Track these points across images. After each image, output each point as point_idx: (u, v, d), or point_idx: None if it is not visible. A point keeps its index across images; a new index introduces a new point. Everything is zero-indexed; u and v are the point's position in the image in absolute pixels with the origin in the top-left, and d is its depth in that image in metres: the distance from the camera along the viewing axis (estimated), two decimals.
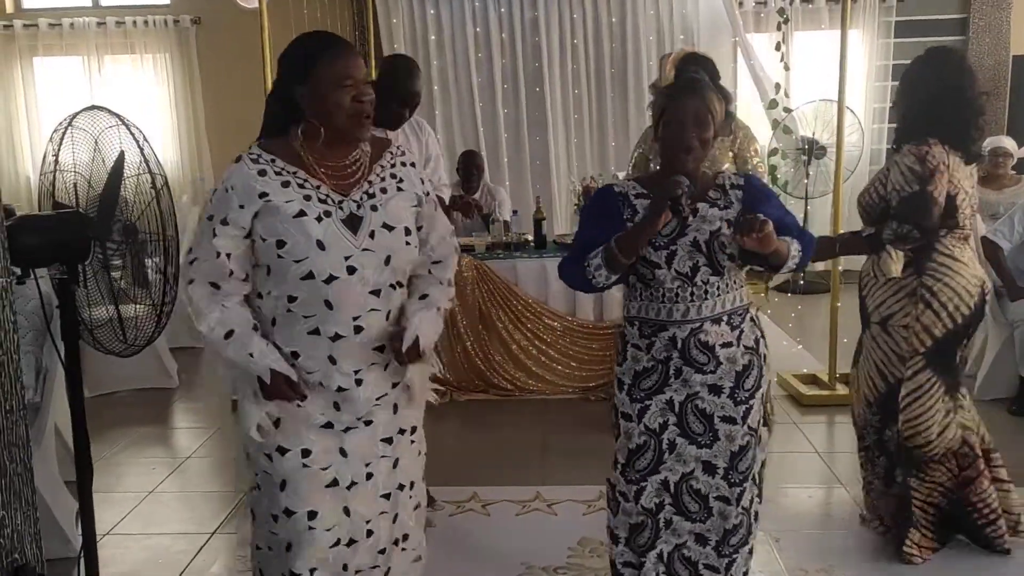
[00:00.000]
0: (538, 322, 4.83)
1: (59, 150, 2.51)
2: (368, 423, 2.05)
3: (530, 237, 5.10)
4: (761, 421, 2.30)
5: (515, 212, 5.48)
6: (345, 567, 2.04)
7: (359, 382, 2.01)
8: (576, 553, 3.07)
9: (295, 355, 1.98)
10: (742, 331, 2.26)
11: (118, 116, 2.41)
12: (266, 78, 4.47)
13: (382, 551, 2.10)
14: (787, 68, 6.97)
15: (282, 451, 2.00)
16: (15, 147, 7.90)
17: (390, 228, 2.00)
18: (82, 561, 2.44)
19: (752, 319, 2.30)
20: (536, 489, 3.56)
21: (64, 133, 2.51)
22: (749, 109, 7.39)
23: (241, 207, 1.94)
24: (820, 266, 6.90)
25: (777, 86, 6.28)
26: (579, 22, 7.21)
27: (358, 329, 1.98)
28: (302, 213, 1.93)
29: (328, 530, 2.00)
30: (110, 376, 4.90)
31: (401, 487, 2.13)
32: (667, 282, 2.20)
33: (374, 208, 2.00)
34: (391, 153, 2.11)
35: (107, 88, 7.76)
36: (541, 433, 4.22)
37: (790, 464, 3.88)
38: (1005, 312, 4.53)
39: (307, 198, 1.95)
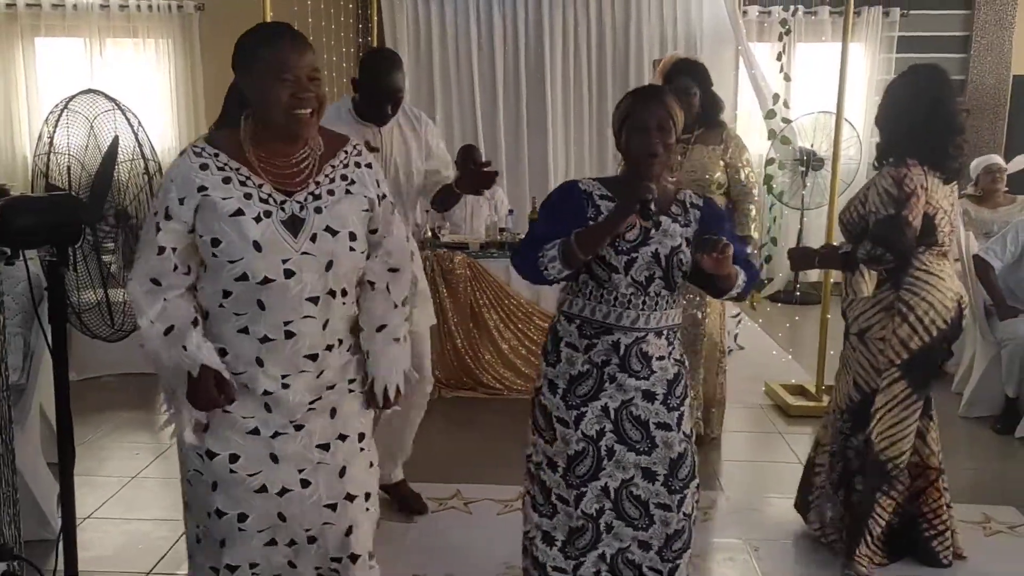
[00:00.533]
0: (529, 322, 4.84)
1: (54, 132, 2.52)
2: (299, 427, 1.97)
3: (521, 236, 5.10)
4: (692, 430, 2.34)
5: (511, 211, 5.49)
6: (293, 564, 2.02)
7: (285, 387, 1.94)
8: None
9: (222, 352, 1.92)
10: (674, 347, 2.31)
11: (114, 101, 2.42)
12: None
13: (336, 559, 2.03)
14: (788, 79, 6.99)
15: (211, 455, 1.95)
16: (13, 127, 7.87)
17: (333, 232, 1.92)
18: (61, 544, 2.45)
19: (679, 337, 2.35)
20: (519, 488, 3.55)
21: (60, 115, 2.52)
22: (749, 118, 7.41)
23: (182, 201, 1.87)
24: (814, 276, 6.92)
25: (776, 96, 6.29)
26: (583, 28, 7.22)
27: (289, 334, 1.90)
28: (239, 212, 1.85)
29: (261, 531, 1.96)
30: (96, 360, 4.89)
31: (351, 497, 2.04)
32: (621, 287, 2.21)
33: (318, 210, 1.91)
34: (345, 152, 2.01)
35: (108, 71, 7.74)
36: (526, 433, 4.22)
37: (774, 474, 3.89)
38: (994, 331, 4.55)
39: (247, 196, 1.87)
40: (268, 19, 4.61)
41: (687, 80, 3.64)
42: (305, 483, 1.97)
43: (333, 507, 2.00)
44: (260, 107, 1.87)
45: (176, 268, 1.88)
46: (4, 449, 2.11)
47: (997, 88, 7.42)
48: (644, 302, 2.21)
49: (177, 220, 1.86)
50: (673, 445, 2.26)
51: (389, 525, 3.18)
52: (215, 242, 1.85)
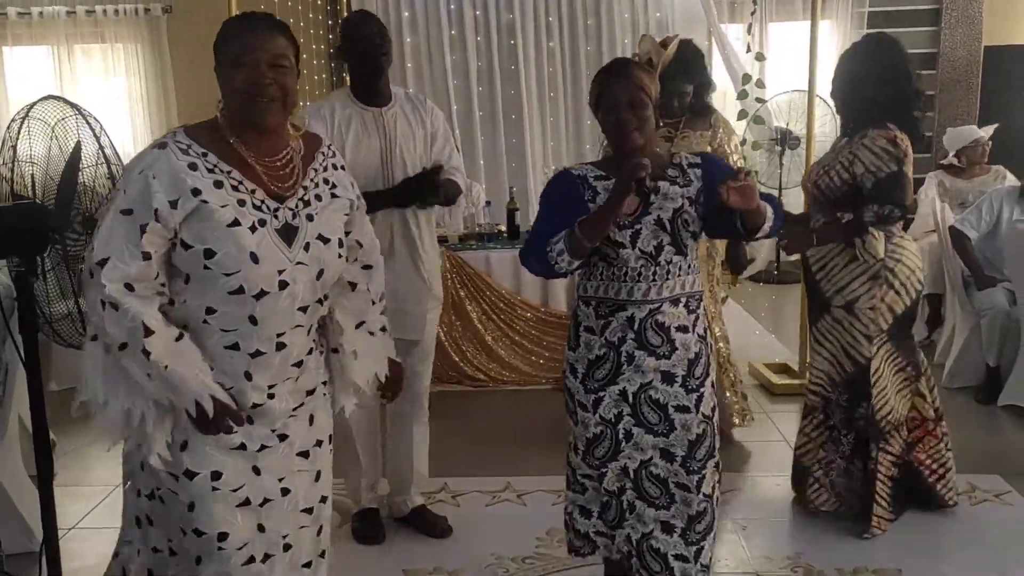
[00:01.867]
0: (511, 313, 4.83)
1: (16, 141, 2.48)
2: (283, 437, 1.92)
3: (503, 228, 5.09)
4: (715, 408, 2.32)
5: (488, 203, 5.47)
6: None
7: (271, 396, 1.87)
8: (544, 543, 3.07)
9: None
10: (697, 316, 2.28)
11: (75, 106, 2.39)
12: None
13: (307, 564, 2.01)
14: (761, 58, 6.98)
15: (190, 474, 1.83)
16: None
17: (325, 240, 1.86)
18: (43, 556, 2.43)
19: (704, 308, 2.32)
20: (507, 480, 3.56)
21: (22, 124, 2.49)
22: (724, 99, 7.41)
23: (174, 204, 1.70)
24: (795, 256, 6.94)
25: (746, 76, 6.28)
26: (554, 15, 7.19)
27: (280, 346, 1.84)
28: (236, 222, 1.74)
29: (240, 548, 1.89)
30: (77, 369, 4.83)
31: (324, 499, 2.03)
32: (631, 261, 2.20)
33: (310, 218, 1.84)
34: (323, 154, 1.95)
35: (77, 78, 7.66)
36: (513, 424, 4.22)
37: (759, 452, 3.90)
38: (972, 301, 4.57)
39: (241, 203, 1.76)
40: None
41: (682, 84, 3.52)
42: (285, 491, 1.93)
43: (309, 511, 1.99)
44: (224, 97, 1.80)
45: (156, 277, 1.74)
46: None
47: (969, 60, 7.44)
48: (655, 272, 2.20)
49: (165, 225, 1.71)
50: (691, 427, 2.25)
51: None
52: (209, 253, 1.72)
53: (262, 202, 1.78)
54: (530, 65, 7.23)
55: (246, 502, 1.88)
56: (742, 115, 6.42)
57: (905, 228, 5.70)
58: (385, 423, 3.16)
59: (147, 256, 1.70)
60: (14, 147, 2.47)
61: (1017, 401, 4.21)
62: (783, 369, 4.84)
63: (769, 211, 2.20)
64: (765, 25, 7.21)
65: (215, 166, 1.76)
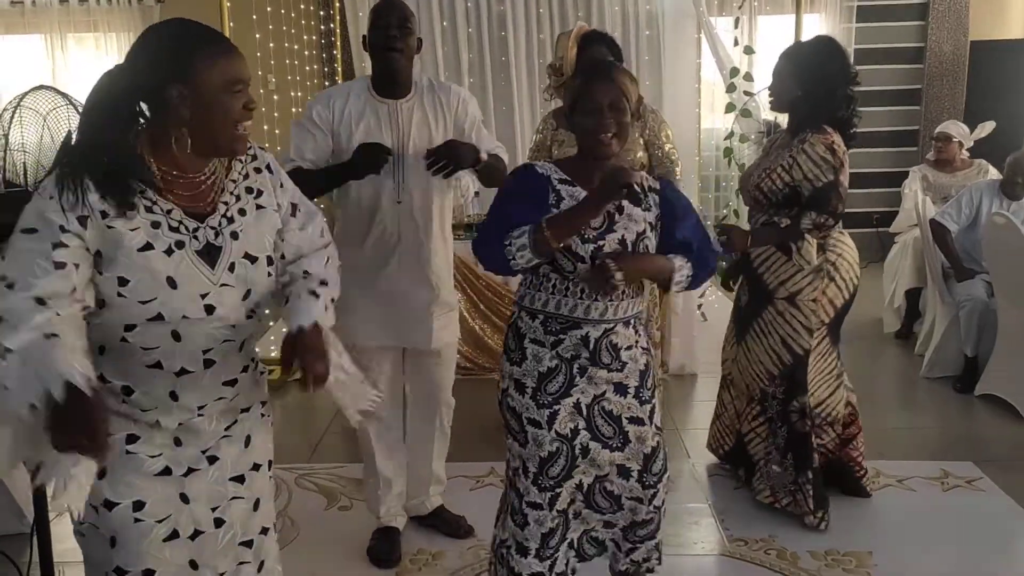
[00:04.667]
0: (499, 302, 4.89)
1: (8, 130, 2.53)
2: (213, 460, 1.75)
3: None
4: (661, 422, 2.31)
5: (477, 194, 5.51)
6: None
7: (200, 415, 1.72)
8: None
9: (128, 390, 1.65)
10: (640, 335, 2.24)
11: (66, 96, 2.44)
12: None
13: None
14: (750, 52, 7.04)
15: (109, 505, 1.65)
16: None
17: (252, 259, 1.69)
18: (35, 537, 2.49)
19: (644, 325, 2.30)
20: (491, 465, 3.63)
21: (13, 113, 2.53)
22: (713, 92, 7.47)
23: (83, 222, 1.53)
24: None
25: (735, 70, 6.34)
26: (544, 7, 7.22)
27: (208, 363, 1.67)
28: (148, 246, 1.57)
29: None
30: None
31: (265, 531, 1.86)
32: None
33: (234, 236, 1.67)
34: (240, 160, 1.74)
35: (70, 67, 7.69)
36: (497, 412, 4.28)
37: None
38: (952, 293, 4.65)
39: (155, 225, 1.59)
40: (226, 8, 4.61)
41: (602, 49, 3.37)
42: (219, 522, 1.75)
43: (249, 543, 1.82)
44: (202, 121, 1.59)
45: (74, 291, 1.52)
46: None
47: (955, 54, 7.51)
48: (612, 293, 2.11)
49: (79, 241, 1.53)
50: (646, 439, 2.21)
51: (360, 504, 3.24)
52: (122, 281, 1.56)
53: (180, 222, 1.62)
54: (520, 57, 7.26)
55: (174, 535, 1.71)
56: (730, 108, 6.48)
57: (888, 222, 5.81)
58: (405, 427, 3.08)
59: (60, 265, 1.50)
60: (6, 136, 2.52)
61: (993, 390, 4.29)
62: None
63: (683, 272, 2.17)
64: (754, 18, 7.26)
65: None
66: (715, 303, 5.66)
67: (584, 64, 3.21)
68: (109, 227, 1.55)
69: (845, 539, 3.02)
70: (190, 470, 1.72)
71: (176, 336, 1.62)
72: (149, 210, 1.59)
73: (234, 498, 1.78)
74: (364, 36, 2.75)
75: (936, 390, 4.55)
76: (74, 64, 7.74)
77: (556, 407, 2.16)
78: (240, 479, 1.79)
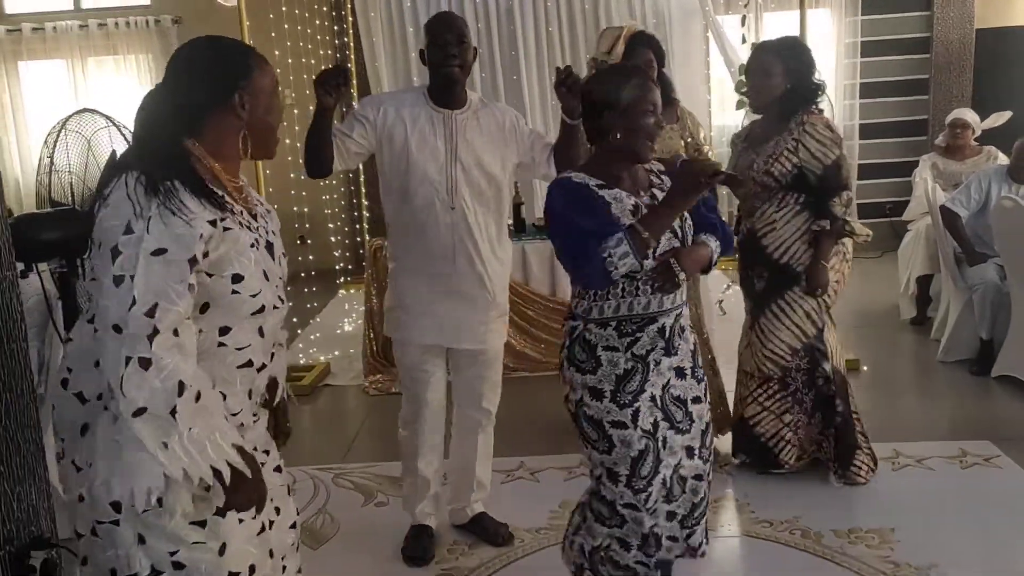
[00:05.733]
0: (520, 303, 5.00)
1: (53, 152, 2.67)
2: (278, 510, 1.85)
3: (510, 221, 5.25)
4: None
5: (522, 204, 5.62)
6: None
7: (256, 417, 1.82)
8: (557, 515, 3.25)
9: (222, 397, 1.70)
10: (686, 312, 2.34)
11: (108, 118, 2.58)
12: None
13: None
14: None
15: (220, 512, 1.67)
16: (3, 150, 8.02)
17: (284, 255, 1.85)
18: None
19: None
20: (520, 459, 3.75)
21: (58, 136, 2.68)
22: (723, 89, 7.56)
23: (202, 237, 1.59)
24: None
25: (743, 67, 6.42)
26: (552, 10, 7.34)
27: (272, 356, 1.81)
28: (255, 243, 1.71)
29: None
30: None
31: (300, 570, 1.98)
32: (649, 271, 2.15)
33: (274, 232, 1.82)
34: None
35: (92, 90, 7.88)
36: (524, 408, 4.40)
37: None
38: (964, 277, 4.72)
39: (241, 224, 1.69)
40: (245, 27, 4.76)
41: (647, 52, 3.46)
42: (277, 510, 1.85)
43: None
44: (259, 123, 1.73)
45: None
46: (35, 447, 2.27)
47: (962, 43, 7.57)
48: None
49: (202, 261, 1.61)
50: (704, 416, 2.30)
51: (396, 500, 3.36)
52: (236, 278, 1.65)
53: (249, 221, 1.73)
54: (530, 50, 7.37)
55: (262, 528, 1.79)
56: (740, 105, 6.56)
57: (900, 212, 5.90)
58: (449, 430, 3.12)
59: (191, 288, 1.58)
60: (51, 158, 2.66)
61: (1010, 371, 4.36)
62: None
63: (713, 245, 2.25)
64: (760, 15, 7.35)
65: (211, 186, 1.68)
66: (732, 297, 5.76)
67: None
68: (227, 229, 1.63)
69: (867, 517, 3.12)
70: (271, 521, 1.81)
71: (261, 332, 1.74)
72: (231, 210, 1.68)
73: (292, 544, 1.91)
74: (421, 50, 2.83)
75: (953, 374, 4.63)
76: (94, 86, 7.93)
77: (636, 404, 2.19)
78: (294, 526, 1.91)
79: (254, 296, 1.69)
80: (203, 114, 1.68)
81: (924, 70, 7.72)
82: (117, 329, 1.51)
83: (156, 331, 1.52)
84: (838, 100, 7.69)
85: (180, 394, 1.53)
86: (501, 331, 3.02)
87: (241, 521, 1.71)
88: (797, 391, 3.33)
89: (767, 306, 3.31)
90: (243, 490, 1.62)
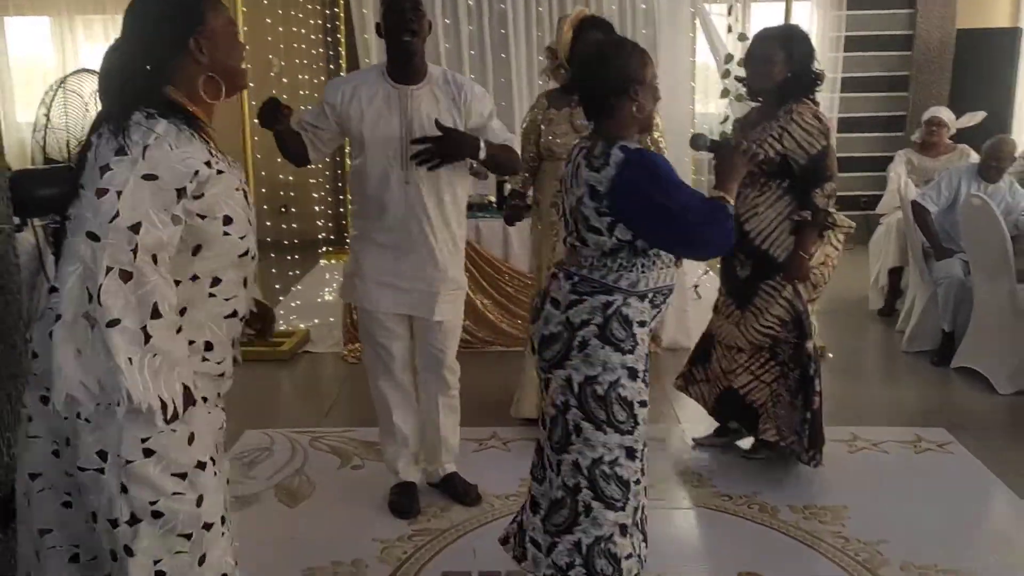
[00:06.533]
0: (498, 278, 5.11)
1: (50, 110, 2.73)
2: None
3: (492, 199, 5.35)
4: None
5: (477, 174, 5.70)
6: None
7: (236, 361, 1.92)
8: (527, 483, 3.31)
9: (208, 346, 1.78)
10: None
11: None
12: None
13: None
14: (743, 39, 7.22)
15: (202, 465, 1.73)
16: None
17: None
18: None
19: None
20: (493, 429, 3.86)
21: (54, 95, 2.73)
22: (707, 78, 7.66)
23: (197, 174, 1.66)
24: None
25: (729, 56, 6.53)
26: (544, 14, 7.39)
27: (240, 304, 1.88)
28: (240, 186, 1.78)
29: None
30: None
31: None
32: None
33: (243, 182, 1.83)
34: None
35: (78, 49, 7.85)
36: (499, 381, 4.51)
37: None
38: (931, 271, 4.87)
39: (228, 167, 1.77)
40: None
41: (598, 35, 3.46)
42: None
43: None
44: (223, 66, 1.76)
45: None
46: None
47: (942, 42, 7.71)
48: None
49: (192, 194, 1.67)
50: None
51: (371, 463, 3.47)
52: (227, 220, 1.72)
53: (228, 166, 1.77)
54: (521, 53, 7.44)
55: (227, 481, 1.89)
56: (724, 93, 6.67)
57: (876, 205, 6.02)
58: (417, 393, 3.24)
59: (177, 221, 1.64)
60: (47, 115, 2.71)
61: (968, 363, 4.53)
62: None
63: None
64: (747, 6, 7.44)
65: (193, 134, 1.71)
66: (707, 282, 5.89)
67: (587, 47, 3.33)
68: (220, 171, 1.70)
69: (822, 495, 3.27)
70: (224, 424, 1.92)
71: (244, 282, 1.82)
72: (215, 155, 1.73)
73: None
74: (377, 23, 2.90)
75: (914, 363, 4.79)
76: (82, 46, 7.90)
77: (647, 377, 2.27)
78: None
79: (242, 238, 1.76)
80: (165, 65, 1.71)
81: (905, 67, 7.86)
82: (93, 237, 1.55)
83: (137, 247, 1.57)
84: (824, 91, 7.81)
85: (154, 316, 1.58)
86: (456, 304, 3.11)
87: (216, 474, 1.77)
88: (784, 364, 3.40)
89: (755, 291, 3.37)
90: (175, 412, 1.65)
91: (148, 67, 1.69)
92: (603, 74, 2.21)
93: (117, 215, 1.56)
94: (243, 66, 1.83)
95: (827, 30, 7.81)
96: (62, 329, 1.57)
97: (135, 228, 1.57)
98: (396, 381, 3.12)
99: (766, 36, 3.35)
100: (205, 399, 1.79)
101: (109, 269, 1.54)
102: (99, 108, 1.75)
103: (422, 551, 2.91)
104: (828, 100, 7.90)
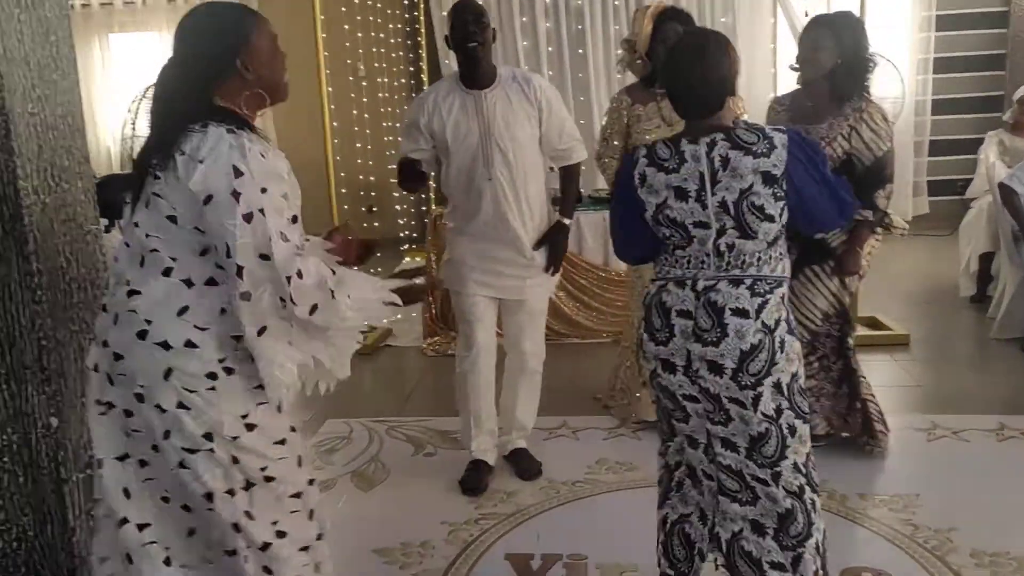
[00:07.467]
0: (574, 272, 5.16)
1: (135, 118, 2.92)
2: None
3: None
4: None
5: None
6: None
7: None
8: (593, 471, 3.42)
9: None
10: None
11: None
12: (318, 50, 4.85)
13: None
14: None
15: (293, 430, 2.02)
16: (96, 121, 8.43)
17: None
18: None
19: None
20: (563, 419, 3.92)
21: (139, 103, 2.93)
22: (791, 58, 7.50)
23: (288, 172, 1.90)
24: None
25: None
26: (621, 8, 7.39)
27: None
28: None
29: None
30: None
31: None
32: None
33: None
34: None
35: None
36: (572, 373, 4.57)
37: None
38: (1021, 255, 4.69)
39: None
40: (318, 2, 5.00)
41: (677, 27, 3.52)
42: None
43: None
44: (269, 81, 1.91)
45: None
46: None
47: None
48: None
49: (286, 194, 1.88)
50: None
51: (443, 450, 3.59)
52: (294, 220, 1.88)
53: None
54: (598, 48, 7.48)
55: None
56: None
57: (964, 189, 5.82)
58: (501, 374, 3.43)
59: (295, 220, 1.86)
60: (133, 124, 2.91)
61: None
62: None
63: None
64: None
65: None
66: None
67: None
68: (289, 175, 1.89)
69: (894, 484, 3.21)
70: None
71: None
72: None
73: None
74: (446, 36, 3.16)
75: (1004, 351, 4.62)
76: None
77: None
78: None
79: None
80: (213, 83, 1.85)
81: (1001, 45, 7.54)
82: (264, 258, 1.77)
83: (296, 247, 1.82)
84: (911, 75, 7.57)
85: (324, 283, 1.83)
86: (543, 287, 3.35)
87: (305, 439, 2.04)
88: (825, 357, 3.37)
89: (798, 273, 3.30)
90: (411, 295, 2.11)
91: (199, 85, 1.83)
92: (720, 71, 2.14)
93: (270, 231, 1.77)
94: (285, 79, 1.96)
95: (918, 9, 7.56)
96: (268, 337, 1.82)
97: (285, 237, 1.80)
98: (481, 361, 3.30)
99: (816, 22, 3.32)
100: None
101: (289, 278, 1.77)
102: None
103: (487, 533, 3.00)
104: (920, 81, 7.68)
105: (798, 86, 3.39)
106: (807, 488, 2.17)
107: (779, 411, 2.13)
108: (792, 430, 2.14)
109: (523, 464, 3.41)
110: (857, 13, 4.95)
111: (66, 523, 2.38)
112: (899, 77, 7.15)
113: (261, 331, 1.81)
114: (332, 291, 1.83)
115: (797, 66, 3.34)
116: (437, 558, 2.86)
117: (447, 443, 3.71)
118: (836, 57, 3.18)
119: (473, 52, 3.07)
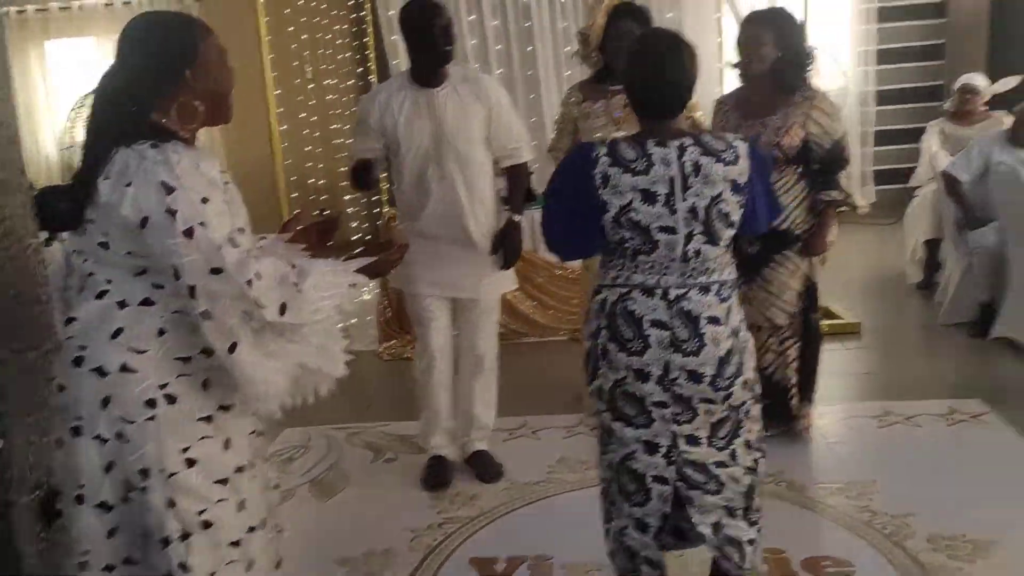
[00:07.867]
0: (528, 270, 5.14)
1: (74, 127, 2.82)
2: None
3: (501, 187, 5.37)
4: None
5: (499, 172, 5.73)
6: None
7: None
8: (554, 470, 3.42)
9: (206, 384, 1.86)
10: None
11: None
12: (262, 55, 4.76)
13: None
14: None
15: (240, 470, 1.88)
16: (35, 128, 8.23)
17: None
18: None
19: None
20: (523, 419, 3.91)
21: (78, 111, 2.83)
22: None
23: (225, 182, 1.81)
24: None
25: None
26: (568, 5, 7.40)
27: None
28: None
29: None
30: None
31: None
32: None
33: None
34: None
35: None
36: (531, 371, 4.56)
37: None
38: (966, 241, 4.79)
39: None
40: (260, 5, 4.92)
41: (631, 23, 3.47)
42: None
43: None
44: (212, 93, 1.82)
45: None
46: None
47: (977, 8, 7.52)
48: None
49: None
50: None
51: (404, 455, 3.55)
52: (240, 231, 1.79)
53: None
54: (547, 45, 7.47)
55: None
56: None
57: (908, 177, 5.92)
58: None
59: (242, 231, 1.78)
60: (71, 133, 2.81)
61: (1007, 334, 4.43)
62: None
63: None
64: None
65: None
66: None
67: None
68: (227, 183, 1.81)
69: (849, 471, 3.25)
70: None
71: None
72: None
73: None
74: (417, 36, 3.05)
75: (952, 336, 4.72)
76: None
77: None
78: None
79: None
80: (156, 95, 1.77)
81: (939, 35, 7.70)
82: (216, 271, 1.68)
83: (246, 252, 1.72)
84: (853, 66, 7.70)
85: (287, 279, 1.74)
86: (496, 285, 3.34)
87: (254, 478, 1.87)
88: (795, 335, 3.44)
89: (763, 264, 3.35)
90: (378, 270, 1.98)
91: (141, 96, 1.75)
92: (690, 72, 2.14)
93: (216, 242, 1.68)
94: (231, 97, 1.87)
95: (858, 1, 7.68)
96: (241, 353, 1.72)
97: (234, 243, 1.71)
98: (437, 361, 3.29)
99: (752, 20, 3.39)
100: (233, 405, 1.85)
101: (249, 282, 1.69)
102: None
103: (451, 538, 2.98)
104: (863, 73, 7.79)
105: (740, 84, 3.43)
106: (761, 463, 2.26)
107: (743, 403, 2.20)
108: (747, 412, 2.22)
109: (484, 466, 3.39)
110: (801, 6, 5.03)
111: (14, 548, 2.30)
112: (841, 70, 7.28)
113: (232, 348, 1.71)
114: (296, 284, 1.75)
115: (737, 64, 3.38)
116: (401, 565, 2.83)
117: (407, 448, 3.68)
118: (775, 52, 3.25)
119: (448, 54, 3.07)
